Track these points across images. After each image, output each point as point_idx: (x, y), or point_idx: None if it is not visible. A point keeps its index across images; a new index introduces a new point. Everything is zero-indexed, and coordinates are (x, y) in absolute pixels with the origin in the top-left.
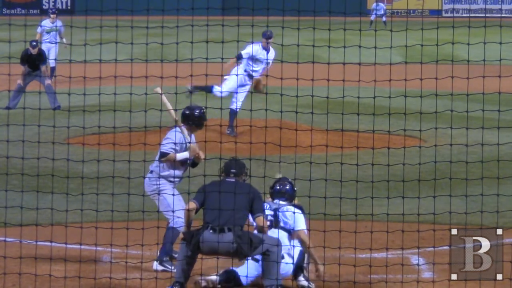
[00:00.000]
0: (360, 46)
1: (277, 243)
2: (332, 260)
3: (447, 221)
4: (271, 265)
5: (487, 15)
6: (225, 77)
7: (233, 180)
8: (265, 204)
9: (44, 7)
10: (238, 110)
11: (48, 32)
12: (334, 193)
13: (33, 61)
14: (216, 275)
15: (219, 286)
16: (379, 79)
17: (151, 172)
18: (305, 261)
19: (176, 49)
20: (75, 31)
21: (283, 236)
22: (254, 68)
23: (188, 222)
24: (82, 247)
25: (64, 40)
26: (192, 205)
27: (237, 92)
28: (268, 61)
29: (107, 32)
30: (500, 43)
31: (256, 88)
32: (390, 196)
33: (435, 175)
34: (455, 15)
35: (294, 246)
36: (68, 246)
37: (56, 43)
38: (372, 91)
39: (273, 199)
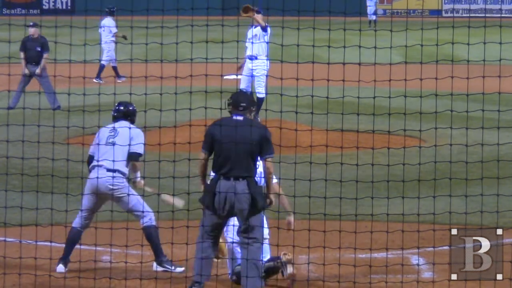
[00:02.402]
0: (360, 46)
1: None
2: (332, 260)
3: (447, 221)
4: (253, 265)
5: (487, 15)
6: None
7: (241, 118)
8: None
9: (44, 7)
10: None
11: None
12: (334, 193)
13: (33, 47)
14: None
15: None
16: (379, 79)
17: (115, 171)
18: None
19: (176, 49)
20: (75, 31)
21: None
22: (254, 50)
23: (203, 173)
24: (82, 247)
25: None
26: (202, 155)
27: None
28: (251, 39)
29: None
30: (500, 43)
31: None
32: (390, 196)
33: (435, 175)
34: (455, 15)
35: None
36: None
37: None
38: (372, 91)
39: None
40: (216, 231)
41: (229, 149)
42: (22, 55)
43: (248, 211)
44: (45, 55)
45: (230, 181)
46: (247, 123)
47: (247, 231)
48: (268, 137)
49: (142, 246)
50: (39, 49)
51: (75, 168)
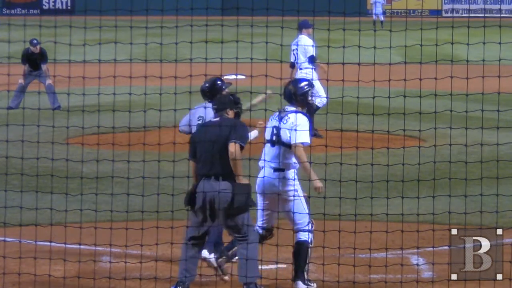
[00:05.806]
0: (359, 46)
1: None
2: (331, 260)
3: (446, 221)
4: (249, 261)
5: (486, 15)
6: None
7: (218, 119)
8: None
9: (44, 7)
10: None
11: None
12: (334, 193)
13: (34, 60)
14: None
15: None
16: (378, 79)
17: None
18: (306, 260)
19: (176, 49)
20: (75, 31)
21: (284, 151)
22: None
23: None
24: (82, 247)
25: None
26: (192, 163)
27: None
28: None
29: (106, 32)
30: (500, 43)
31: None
32: (390, 196)
33: (435, 175)
34: (455, 15)
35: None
36: (68, 246)
37: None
38: (372, 91)
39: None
40: (200, 236)
41: (205, 150)
42: (24, 67)
43: (230, 210)
44: (43, 67)
45: (211, 180)
46: (223, 121)
47: (237, 231)
48: (236, 124)
49: (142, 246)
50: (38, 61)
51: (75, 168)
